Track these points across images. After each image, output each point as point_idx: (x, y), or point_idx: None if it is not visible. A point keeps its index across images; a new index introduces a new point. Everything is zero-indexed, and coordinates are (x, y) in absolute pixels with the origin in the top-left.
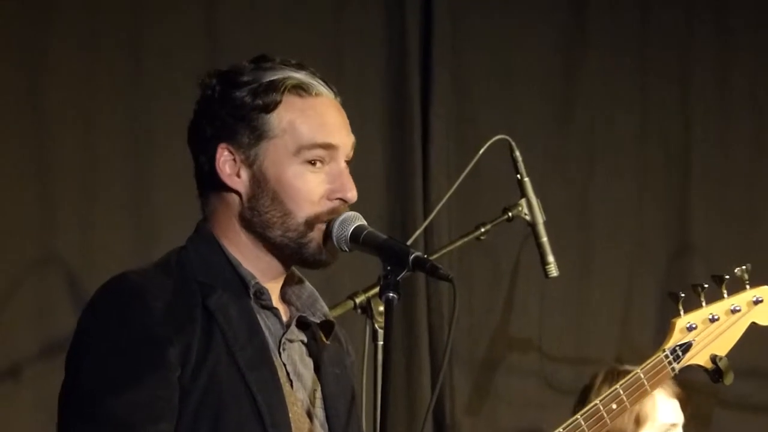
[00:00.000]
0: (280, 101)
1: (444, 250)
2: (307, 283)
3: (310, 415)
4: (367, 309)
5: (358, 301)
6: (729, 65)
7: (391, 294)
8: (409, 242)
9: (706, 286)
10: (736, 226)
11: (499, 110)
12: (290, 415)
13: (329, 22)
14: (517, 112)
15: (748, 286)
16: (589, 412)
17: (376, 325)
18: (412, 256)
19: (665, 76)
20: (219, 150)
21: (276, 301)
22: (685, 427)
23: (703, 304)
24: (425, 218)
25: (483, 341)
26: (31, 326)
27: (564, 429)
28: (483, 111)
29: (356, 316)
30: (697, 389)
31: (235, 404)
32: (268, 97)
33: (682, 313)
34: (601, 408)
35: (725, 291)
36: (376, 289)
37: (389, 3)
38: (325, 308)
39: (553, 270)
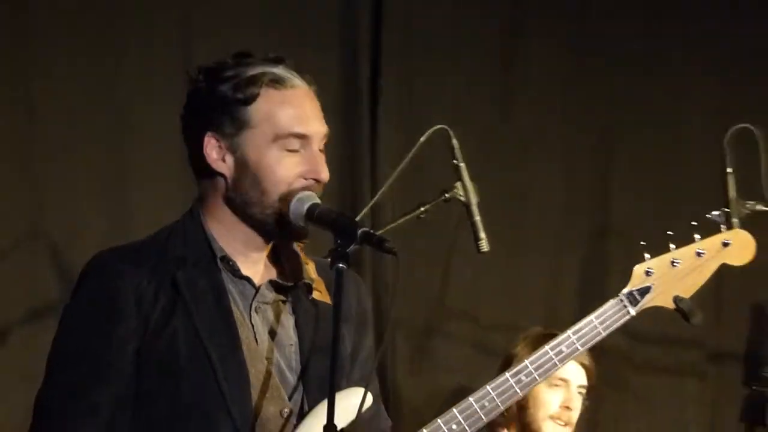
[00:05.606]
0: (259, 94)
1: (388, 227)
2: (294, 247)
3: (279, 369)
4: None
5: None
6: (653, 59)
7: (341, 264)
8: (357, 219)
9: (671, 233)
10: (653, 209)
11: (442, 100)
12: (251, 370)
13: (286, 19)
14: (458, 103)
15: (723, 228)
16: (537, 355)
17: None
18: (361, 230)
19: (593, 70)
20: (206, 139)
21: (257, 270)
22: (600, 391)
23: (672, 248)
24: (372, 198)
25: (423, 310)
26: (18, 297)
27: (533, 363)
28: (426, 101)
29: None
30: (613, 354)
31: (191, 365)
32: (248, 91)
33: (647, 258)
34: (550, 351)
35: (698, 237)
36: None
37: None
38: (306, 270)
39: (485, 246)
